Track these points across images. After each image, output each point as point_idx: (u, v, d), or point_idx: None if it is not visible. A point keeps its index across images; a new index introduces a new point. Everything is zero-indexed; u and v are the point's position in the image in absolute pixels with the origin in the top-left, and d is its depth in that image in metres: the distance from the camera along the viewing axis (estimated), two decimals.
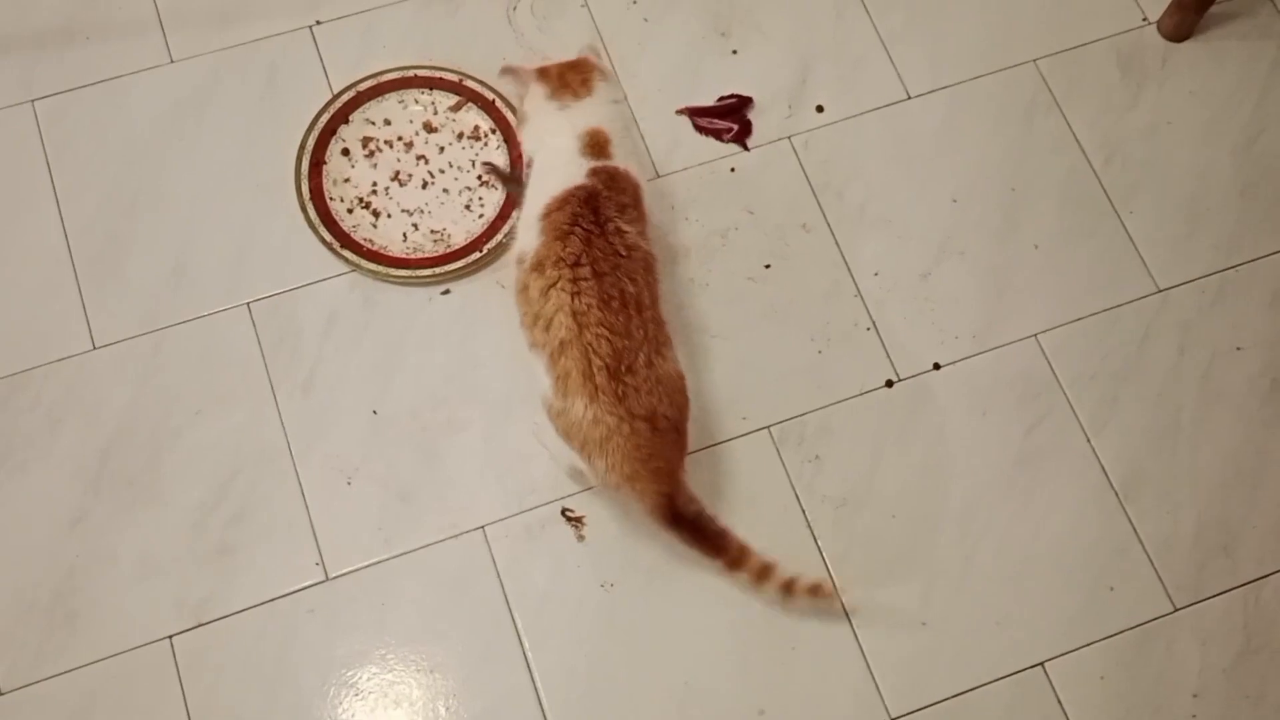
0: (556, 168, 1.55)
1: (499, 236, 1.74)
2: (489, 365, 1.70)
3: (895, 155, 1.85)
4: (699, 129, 1.86)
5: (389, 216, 1.77)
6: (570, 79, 1.60)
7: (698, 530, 1.48)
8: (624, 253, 1.47)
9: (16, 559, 1.58)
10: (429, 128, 1.82)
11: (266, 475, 1.63)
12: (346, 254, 1.73)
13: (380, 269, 1.72)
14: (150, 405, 1.66)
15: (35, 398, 1.65)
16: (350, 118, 1.82)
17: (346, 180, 1.79)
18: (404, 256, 1.74)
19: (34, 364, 1.67)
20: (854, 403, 1.70)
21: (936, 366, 1.73)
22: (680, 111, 1.86)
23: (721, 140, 1.85)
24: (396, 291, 1.74)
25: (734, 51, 1.91)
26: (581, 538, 1.62)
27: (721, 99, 1.87)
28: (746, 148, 1.85)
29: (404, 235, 1.76)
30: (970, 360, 1.73)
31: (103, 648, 1.54)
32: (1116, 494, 1.66)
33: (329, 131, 1.80)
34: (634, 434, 1.42)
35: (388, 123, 1.82)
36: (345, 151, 1.80)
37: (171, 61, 1.85)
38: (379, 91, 1.83)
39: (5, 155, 1.79)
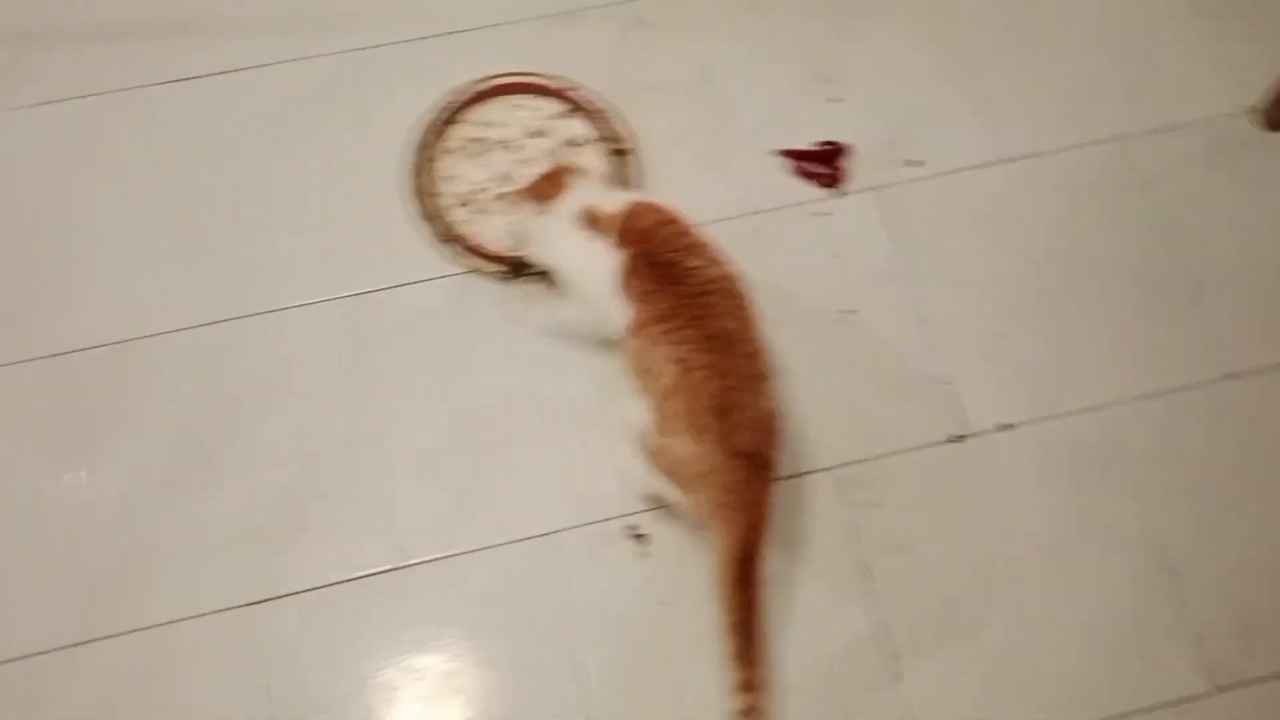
0: (591, 264, 1.60)
1: None
2: (573, 376, 1.76)
3: (982, 216, 1.90)
4: (794, 171, 1.91)
5: (489, 215, 1.85)
6: (544, 187, 1.67)
7: (749, 606, 1.50)
8: (708, 289, 1.54)
9: (104, 517, 1.66)
10: (537, 134, 1.90)
11: (350, 462, 1.71)
12: (449, 248, 1.81)
13: (481, 264, 1.80)
14: (243, 384, 1.75)
15: (134, 367, 1.74)
16: (461, 118, 1.90)
17: (453, 178, 1.87)
18: (502, 254, 1.82)
19: (135, 335, 1.76)
20: (919, 454, 1.75)
21: (1003, 427, 1.77)
22: (777, 153, 1.92)
23: (814, 185, 1.91)
24: (486, 297, 1.81)
25: (835, 99, 1.96)
26: (645, 555, 1.68)
27: (818, 144, 1.93)
28: (839, 193, 1.90)
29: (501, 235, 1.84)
30: (1037, 424, 1.78)
31: (182, 609, 1.62)
32: (1167, 571, 1.70)
33: (438, 131, 1.88)
34: (732, 470, 1.48)
35: (499, 125, 1.91)
36: (453, 150, 1.88)
37: (279, 61, 1.96)
38: (490, 95, 1.92)
39: (119, 137, 1.90)
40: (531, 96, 1.94)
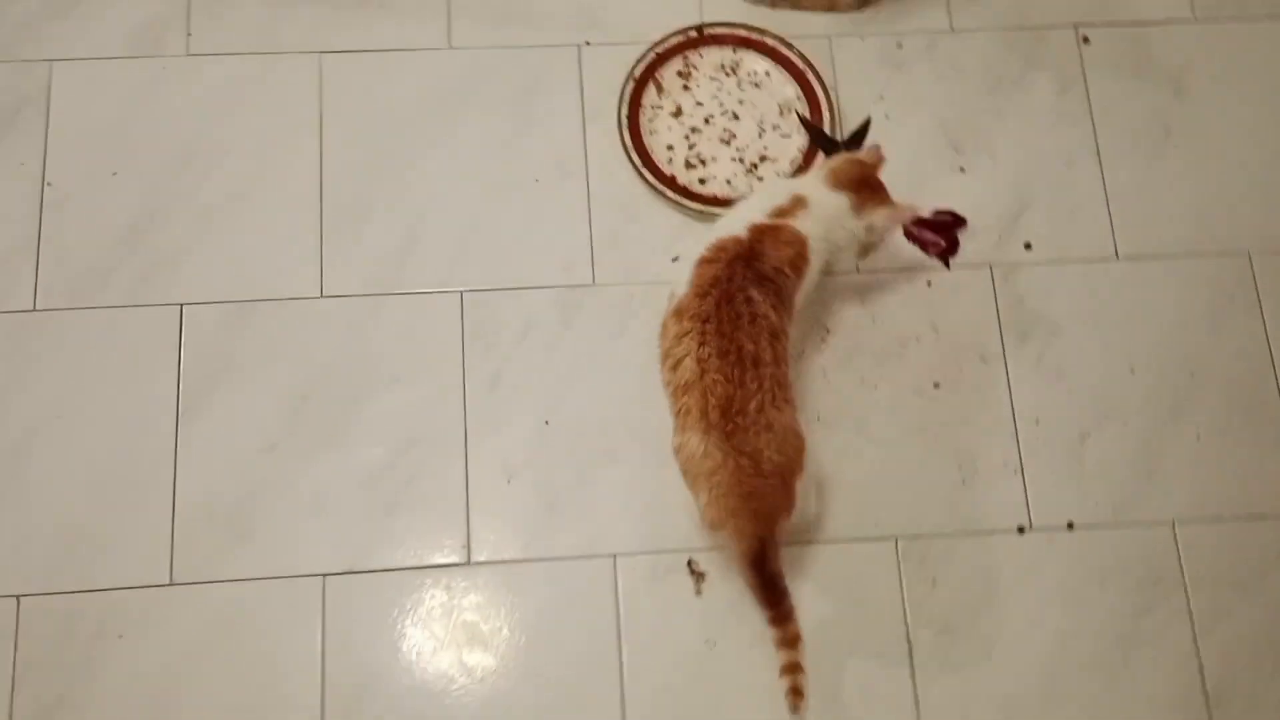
0: (742, 212, 1.69)
1: None
2: (664, 403, 1.81)
3: (1087, 310, 1.91)
4: (909, 235, 1.92)
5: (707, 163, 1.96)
6: (856, 182, 1.73)
7: (772, 582, 1.59)
8: (749, 319, 1.59)
9: (212, 468, 1.77)
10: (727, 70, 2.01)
11: (440, 453, 1.79)
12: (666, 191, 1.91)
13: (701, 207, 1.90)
14: (355, 360, 1.83)
15: (260, 327, 1.84)
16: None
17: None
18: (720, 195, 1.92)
19: (266, 296, 1.86)
20: (983, 539, 1.79)
21: (1070, 526, 1.80)
22: None
23: (927, 253, 1.92)
24: (594, 311, 1.87)
25: (961, 169, 1.97)
26: (699, 592, 1.75)
27: (938, 212, 1.93)
28: (949, 266, 1.92)
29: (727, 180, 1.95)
30: (1104, 530, 1.80)
31: (264, 568, 1.73)
32: (1207, 697, 1.72)
33: (642, 82, 1.97)
34: (738, 469, 1.55)
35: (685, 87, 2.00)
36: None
37: (450, 47, 2.00)
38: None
39: (287, 98, 1.96)
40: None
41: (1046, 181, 1.97)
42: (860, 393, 1.86)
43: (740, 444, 1.55)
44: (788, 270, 1.64)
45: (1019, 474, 1.82)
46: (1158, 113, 2.01)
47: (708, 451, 1.55)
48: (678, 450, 1.60)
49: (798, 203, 1.68)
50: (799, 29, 2.02)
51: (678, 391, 1.60)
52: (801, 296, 1.71)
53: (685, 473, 1.60)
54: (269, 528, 1.75)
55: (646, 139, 1.94)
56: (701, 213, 1.90)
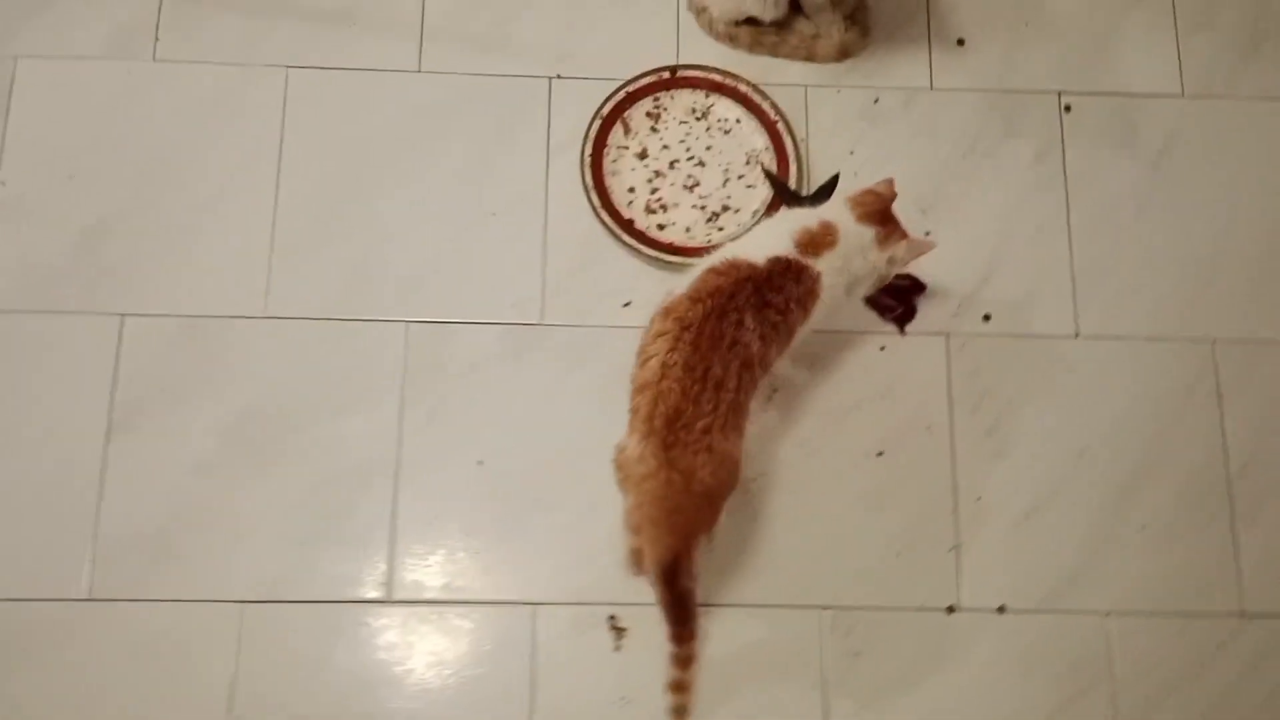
0: (761, 240, 1.65)
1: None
2: (601, 454, 1.79)
3: (1042, 389, 1.87)
4: (865, 297, 1.90)
5: (668, 209, 1.93)
6: (877, 210, 1.68)
7: (681, 599, 1.55)
8: (729, 343, 1.55)
9: (139, 485, 1.77)
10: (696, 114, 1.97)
11: (370, 486, 1.78)
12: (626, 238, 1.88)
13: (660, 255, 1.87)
14: (294, 385, 1.82)
15: (200, 345, 1.83)
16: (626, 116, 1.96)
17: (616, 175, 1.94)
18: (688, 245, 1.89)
19: (209, 313, 1.84)
20: (911, 615, 1.76)
21: (1001, 609, 1.77)
22: None
23: (883, 317, 1.89)
24: (540, 352, 1.85)
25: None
26: (618, 648, 1.73)
27: (898, 276, 1.90)
28: (903, 332, 1.88)
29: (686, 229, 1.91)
30: (1036, 615, 1.77)
31: (184, 590, 1.72)
32: None
33: (609, 120, 1.94)
34: (668, 482, 1.52)
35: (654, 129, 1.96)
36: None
37: (419, 71, 1.97)
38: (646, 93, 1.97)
39: (251, 112, 1.94)
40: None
41: (1012, 252, 1.93)
42: (801, 456, 1.83)
43: (676, 458, 1.52)
44: (793, 306, 1.61)
45: (955, 552, 1.79)
46: (1133, 188, 1.96)
47: (643, 457, 1.52)
48: (618, 449, 1.57)
49: (828, 231, 1.64)
50: (775, 77, 1.98)
51: (635, 390, 1.57)
52: (808, 328, 1.68)
53: (618, 471, 1.57)
54: (192, 550, 1.75)
55: (608, 179, 1.91)
56: (656, 259, 1.87)
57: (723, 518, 1.59)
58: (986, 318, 1.90)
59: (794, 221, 1.65)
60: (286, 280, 1.86)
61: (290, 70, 1.96)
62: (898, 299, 1.89)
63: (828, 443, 1.83)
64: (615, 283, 1.89)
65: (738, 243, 1.67)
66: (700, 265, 1.63)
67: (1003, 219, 1.94)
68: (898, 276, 1.88)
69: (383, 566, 1.75)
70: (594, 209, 1.88)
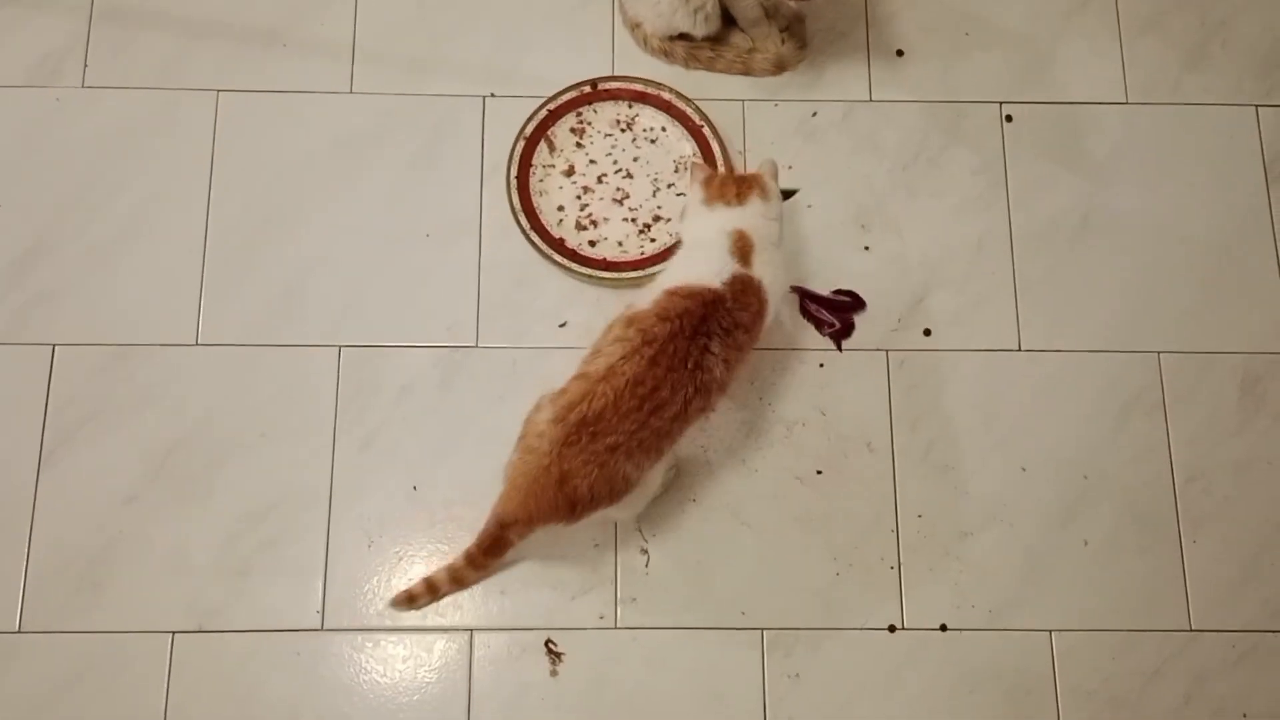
0: (703, 259, 1.63)
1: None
2: None
3: (984, 403, 1.85)
4: (804, 312, 1.88)
5: (599, 224, 1.91)
6: (728, 189, 1.67)
7: (496, 546, 1.62)
8: (691, 368, 1.54)
9: (69, 517, 1.75)
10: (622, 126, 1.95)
11: (302, 514, 1.76)
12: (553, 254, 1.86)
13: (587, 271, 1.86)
14: (226, 413, 1.80)
15: (131, 374, 1.81)
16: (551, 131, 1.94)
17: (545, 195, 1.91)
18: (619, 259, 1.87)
19: (140, 341, 1.82)
20: (852, 635, 1.74)
21: (943, 628, 1.75)
22: (793, 289, 1.88)
23: (820, 332, 1.87)
24: (475, 375, 1.83)
25: (866, 247, 1.91)
26: (555, 673, 1.71)
27: (836, 292, 1.89)
28: (840, 349, 1.86)
29: (619, 243, 1.90)
30: (978, 633, 1.75)
31: (115, 621, 1.71)
32: None
33: (533, 140, 1.92)
34: (545, 471, 1.52)
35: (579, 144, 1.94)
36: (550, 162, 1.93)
37: (351, 92, 1.95)
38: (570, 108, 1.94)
39: (181, 136, 1.92)
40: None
41: (954, 266, 1.91)
42: (740, 475, 1.81)
43: (568, 456, 1.52)
44: (754, 321, 1.61)
45: (896, 570, 1.77)
46: (1077, 200, 1.94)
47: (542, 434, 1.53)
48: (535, 409, 1.58)
49: (743, 238, 1.63)
50: (712, 91, 1.96)
51: (577, 375, 1.57)
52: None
53: (523, 425, 1.59)
54: (123, 580, 1.73)
55: (537, 199, 1.89)
56: (590, 277, 1.85)
57: (577, 525, 1.58)
58: (927, 332, 1.88)
59: (717, 233, 1.64)
60: (218, 307, 1.84)
61: (220, 93, 1.94)
62: (836, 315, 1.87)
63: (767, 461, 1.81)
64: (551, 303, 1.87)
65: (674, 269, 1.65)
66: (655, 286, 1.61)
67: (944, 232, 1.92)
68: (836, 292, 1.88)
69: (317, 595, 1.73)
70: (523, 231, 1.86)
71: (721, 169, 1.88)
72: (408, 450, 1.80)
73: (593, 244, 1.89)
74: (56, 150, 1.91)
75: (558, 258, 1.85)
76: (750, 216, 1.66)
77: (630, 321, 1.57)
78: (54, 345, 1.82)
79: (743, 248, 1.62)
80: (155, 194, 1.89)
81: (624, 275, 1.85)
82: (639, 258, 1.87)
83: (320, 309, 1.85)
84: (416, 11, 1.99)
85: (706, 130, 1.90)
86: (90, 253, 1.87)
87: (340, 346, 1.84)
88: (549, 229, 1.88)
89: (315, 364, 1.83)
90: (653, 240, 1.89)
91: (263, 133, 1.93)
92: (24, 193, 1.88)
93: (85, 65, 1.94)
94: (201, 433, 1.79)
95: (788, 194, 1.83)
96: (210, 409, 1.80)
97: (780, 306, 1.71)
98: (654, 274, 1.78)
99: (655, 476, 1.64)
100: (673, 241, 1.80)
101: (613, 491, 1.55)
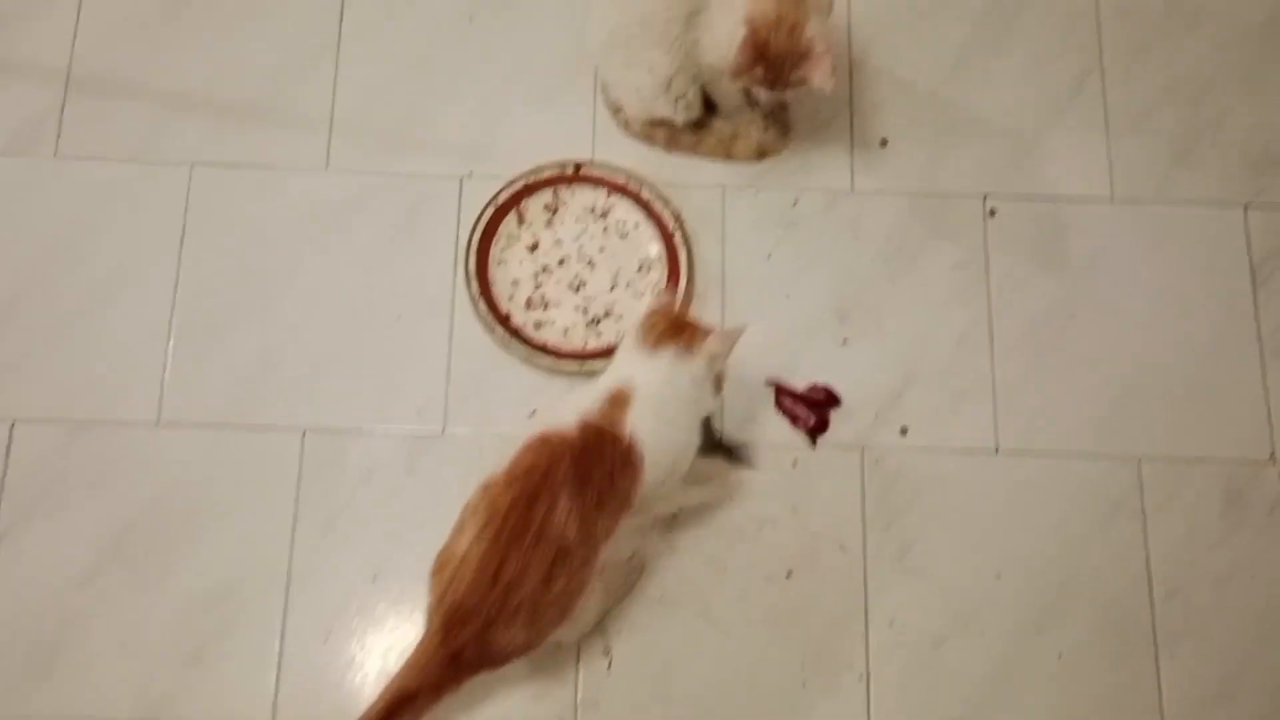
0: (569, 409, 1.55)
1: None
2: None
3: (959, 506, 1.81)
4: (779, 407, 1.85)
5: (549, 307, 1.88)
6: (655, 328, 1.58)
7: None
8: (535, 537, 1.45)
9: (20, 596, 1.71)
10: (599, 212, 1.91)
11: (258, 602, 1.73)
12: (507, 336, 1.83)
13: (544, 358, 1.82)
14: (185, 494, 1.77)
15: (90, 451, 1.78)
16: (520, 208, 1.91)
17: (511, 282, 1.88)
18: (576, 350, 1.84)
19: (101, 417, 1.79)
20: None
21: None
22: (769, 383, 1.85)
23: (795, 427, 1.84)
24: (441, 462, 1.79)
25: (845, 340, 1.88)
26: None
27: (812, 387, 1.85)
28: (814, 445, 1.83)
29: (565, 330, 1.86)
30: None
31: (60, 709, 1.67)
32: None
33: (504, 209, 1.89)
34: (435, 651, 1.49)
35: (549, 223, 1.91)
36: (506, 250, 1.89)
37: (326, 168, 1.93)
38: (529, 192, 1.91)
39: (153, 209, 1.90)
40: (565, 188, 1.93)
41: (932, 362, 1.87)
42: (708, 574, 1.77)
43: (451, 639, 1.48)
44: (617, 475, 1.52)
45: (864, 681, 1.72)
46: (1059, 298, 1.90)
47: (428, 617, 1.50)
48: (438, 560, 1.52)
49: (619, 399, 1.55)
50: (692, 177, 1.94)
51: (443, 550, 1.51)
52: (667, 483, 1.60)
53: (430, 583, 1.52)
54: (73, 665, 1.69)
55: (493, 269, 1.87)
56: (524, 358, 1.82)
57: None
58: (904, 431, 1.84)
59: (603, 385, 1.56)
60: (181, 384, 1.82)
61: (195, 166, 1.91)
62: (811, 410, 1.83)
63: (737, 559, 1.77)
64: (520, 390, 1.83)
65: (555, 410, 1.57)
66: (537, 421, 1.57)
67: (923, 327, 1.89)
68: (812, 387, 1.84)
69: (268, 689, 1.69)
70: (471, 298, 1.83)
71: (682, 289, 1.85)
72: (369, 537, 1.76)
73: (538, 325, 1.85)
74: (26, 220, 1.88)
75: (499, 330, 1.82)
76: (654, 367, 1.56)
77: (486, 490, 1.49)
78: (14, 421, 1.79)
79: (618, 399, 1.54)
80: (124, 267, 1.87)
81: (561, 364, 1.82)
82: (580, 349, 1.83)
83: (285, 390, 1.82)
84: (397, 87, 1.97)
85: (678, 237, 1.87)
86: (56, 325, 1.84)
87: (304, 429, 1.80)
88: (498, 300, 1.85)
89: (278, 446, 1.79)
90: (599, 335, 1.85)
91: (235, 207, 1.90)
92: None
93: (59, 135, 1.92)
94: (160, 513, 1.76)
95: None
96: (169, 490, 1.77)
97: (686, 463, 1.63)
98: (590, 370, 1.77)
99: (588, 608, 1.58)
100: (617, 341, 1.73)
101: (501, 659, 1.51)
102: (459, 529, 1.50)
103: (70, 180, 1.90)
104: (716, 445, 1.79)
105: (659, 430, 1.56)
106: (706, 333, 1.58)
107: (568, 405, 1.57)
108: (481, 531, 1.46)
